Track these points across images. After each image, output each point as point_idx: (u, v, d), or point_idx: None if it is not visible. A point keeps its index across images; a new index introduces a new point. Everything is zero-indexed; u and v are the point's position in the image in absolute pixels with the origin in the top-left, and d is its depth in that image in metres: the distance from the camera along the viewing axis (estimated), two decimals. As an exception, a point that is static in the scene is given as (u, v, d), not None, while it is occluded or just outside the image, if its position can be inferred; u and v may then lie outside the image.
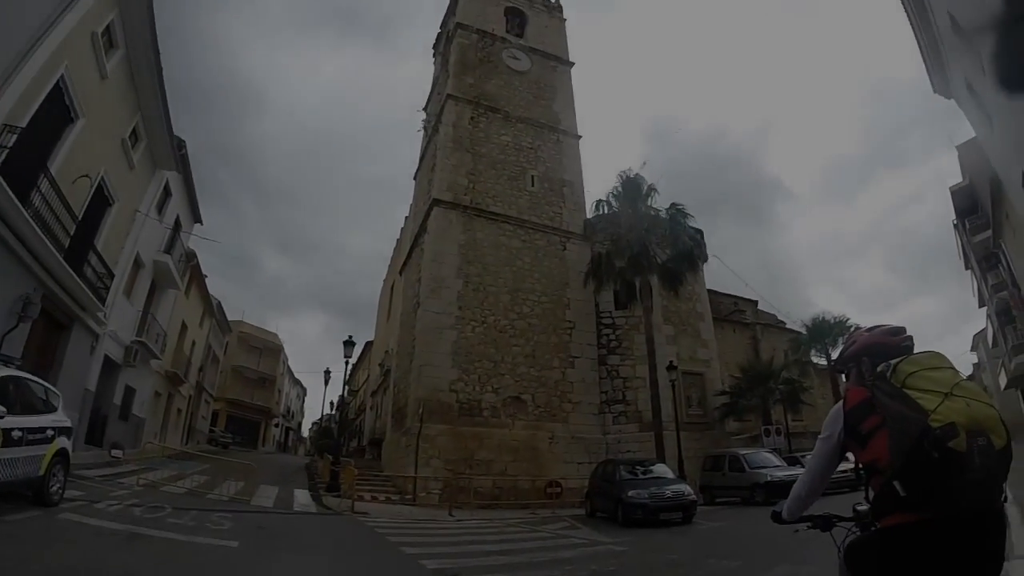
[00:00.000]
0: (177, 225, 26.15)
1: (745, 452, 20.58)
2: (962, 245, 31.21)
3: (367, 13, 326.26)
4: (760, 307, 40.70)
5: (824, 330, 31.17)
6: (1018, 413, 31.33)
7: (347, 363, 22.07)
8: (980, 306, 36.39)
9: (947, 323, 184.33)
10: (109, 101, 16.60)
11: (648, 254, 22.76)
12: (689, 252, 23.26)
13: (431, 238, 25.17)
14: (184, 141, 23.53)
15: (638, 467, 17.12)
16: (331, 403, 51.30)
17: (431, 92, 35.94)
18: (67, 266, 14.57)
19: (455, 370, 22.67)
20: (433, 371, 22.40)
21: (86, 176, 15.52)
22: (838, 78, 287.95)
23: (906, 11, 18.07)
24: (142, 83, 18.14)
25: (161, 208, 23.75)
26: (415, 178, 34.16)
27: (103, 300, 17.74)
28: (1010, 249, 22.40)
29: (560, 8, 36.97)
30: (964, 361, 51.06)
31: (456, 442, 21.44)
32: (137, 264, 22.18)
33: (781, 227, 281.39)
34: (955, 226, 30.76)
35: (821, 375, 33.53)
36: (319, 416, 62.47)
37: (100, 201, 17.49)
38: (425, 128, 33.45)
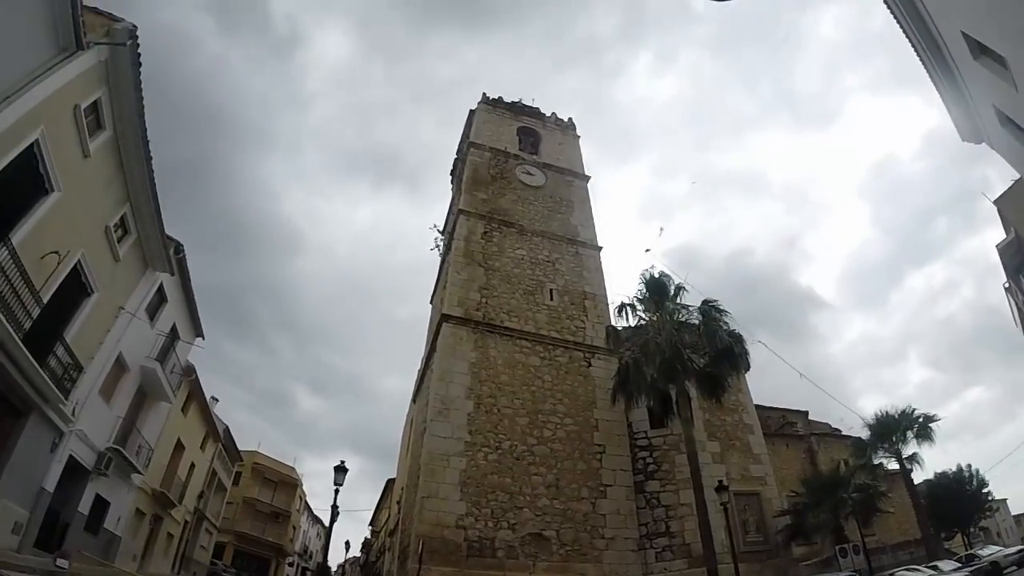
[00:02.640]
0: (174, 334, 23.90)
1: (825, 581, 16.20)
2: (1018, 307, 27.26)
3: (402, 162, 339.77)
4: (811, 418, 36.24)
5: (891, 426, 26.43)
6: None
7: (336, 491, 18.61)
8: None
9: (1001, 409, 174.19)
10: (92, 182, 15.14)
11: (682, 357, 19.05)
12: (729, 351, 19.46)
13: (439, 357, 22.05)
14: (182, 245, 21.84)
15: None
16: (346, 543, 46.92)
17: (447, 215, 34.09)
18: (21, 344, 12.44)
19: (464, 503, 18.79)
20: (438, 504, 18.56)
21: (55, 253, 13.67)
22: (853, 182, 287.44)
23: (917, 52, 16.05)
24: (132, 173, 16.86)
25: (154, 313, 21.79)
26: (431, 302, 31.56)
27: (66, 393, 15.27)
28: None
29: (573, 126, 35.88)
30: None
31: (463, 589, 17.37)
32: (120, 366, 19.68)
33: (819, 338, 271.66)
34: (1007, 289, 26.87)
35: (890, 480, 28.27)
36: (344, 559, 57.06)
37: (76, 287, 15.68)
38: (438, 247, 31.22)
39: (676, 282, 21.64)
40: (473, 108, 34.62)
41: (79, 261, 15.26)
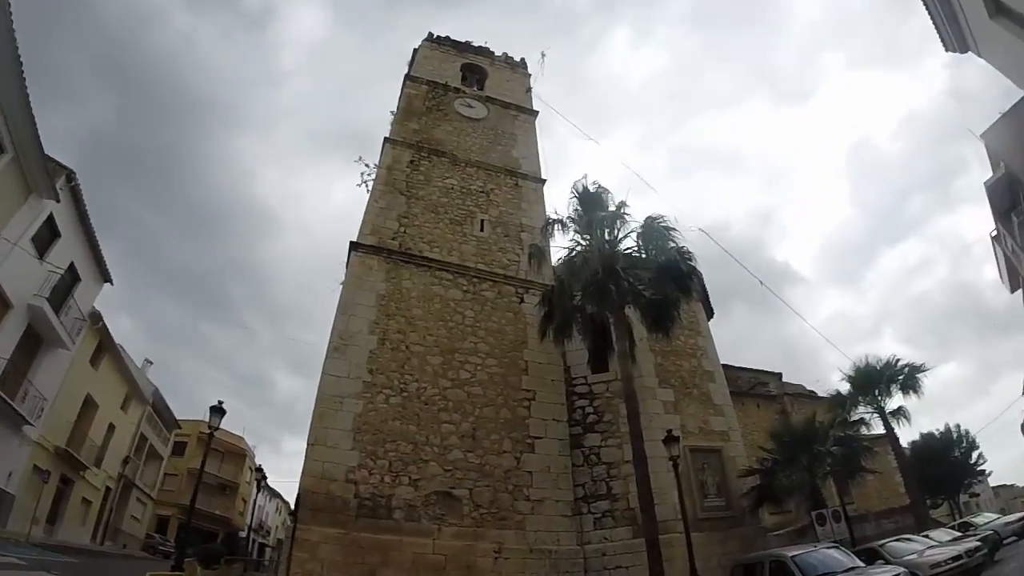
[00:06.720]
0: (72, 274, 21.93)
1: (796, 553, 11.97)
2: (1006, 257, 23.40)
3: (378, 138, 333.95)
4: (786, 379, 32.28)
5: (873, 377, 22.43)
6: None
7: (211, 434, 14.81)
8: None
9: (974, 386, 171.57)
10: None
11: (616, 275, 14.99)
12: (675, 269, 15.32)
13: (344, 288, 17.98)
14: (74, 172, 19.80)
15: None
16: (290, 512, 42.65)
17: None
18: None
19: (356, 453, 14.70)
20: (325, 453, 14.49)
21: None
22: (831, 163, 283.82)
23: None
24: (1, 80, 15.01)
25: (45, 247, 19.97)
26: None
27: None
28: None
29: (524, 65, 31.69)
30: (1014, 410, 43.38)
31: (349, 554, 13.32)
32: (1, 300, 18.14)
33: (793, 314, 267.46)
34: (994, 238, 23.07)
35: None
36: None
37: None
38: (366, 184, 26.79)
39: (619, 200, 17.41)
40: (416, 47, 30.44)
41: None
